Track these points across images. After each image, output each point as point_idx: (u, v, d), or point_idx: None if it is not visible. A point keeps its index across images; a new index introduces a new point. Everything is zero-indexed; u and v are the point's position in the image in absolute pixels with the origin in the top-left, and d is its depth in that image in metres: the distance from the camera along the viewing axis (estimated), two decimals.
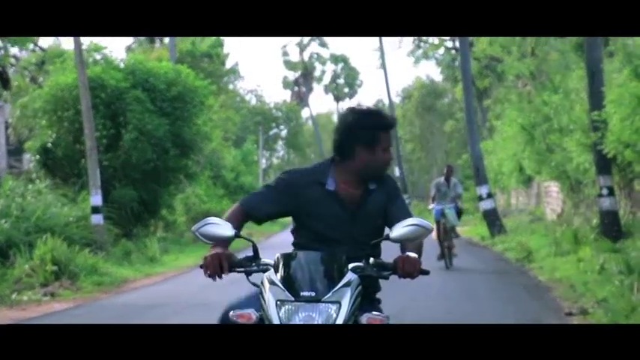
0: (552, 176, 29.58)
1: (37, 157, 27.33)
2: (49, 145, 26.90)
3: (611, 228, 20.93)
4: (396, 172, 71.11)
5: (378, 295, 5.40)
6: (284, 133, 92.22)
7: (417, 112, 77.46)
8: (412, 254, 4.94)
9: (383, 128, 5.22)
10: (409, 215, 5.18)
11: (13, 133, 32.71)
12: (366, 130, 5.20)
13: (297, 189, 5.24)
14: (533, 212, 37.96)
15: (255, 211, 5.28)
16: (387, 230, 5.28)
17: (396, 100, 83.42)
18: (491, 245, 28.88)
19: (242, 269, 4.99)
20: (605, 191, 21.06)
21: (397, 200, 5.34)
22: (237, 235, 4.90)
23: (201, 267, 4.99)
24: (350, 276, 4.77)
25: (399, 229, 4.85)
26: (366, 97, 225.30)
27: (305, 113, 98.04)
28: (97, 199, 23.09)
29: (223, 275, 4.96)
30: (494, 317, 12.70)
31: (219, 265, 4.91)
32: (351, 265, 4.85)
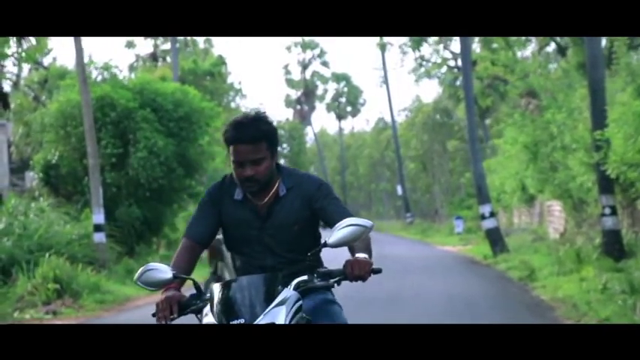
0: (555, 195, 29.55)
1: (41, 174, 27.36)
2: (53, 162, 26.92)
3: (614, 247, 20.89)
4: (399, 190, 71.18)
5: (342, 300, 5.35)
6: (287, 151, 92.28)
7: (425, 130, 77.35)
8: (362, 255, 4.82)
9: (225, 141, 5.09)
10: (345, 213, 5.02)
11: (15, 151, 32.75)
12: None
13: (215, 201, 5.23)
14: (535, 231, 37.89)
15: (199, 235, 5.23)
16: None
17: (399, 118, 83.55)
18: (493, 264, 28.82)
19: (189, 309, 4.91)
20: (607, 210, 21.02)
21: (329, 201, 5.16)
22: (175, 277, 4.83)
23: (153, 315, 4.94)
24: (285, 293, 4.67)
25: (336, 234, 4.70)
26: (368, 116, 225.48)
27: (308, 132, 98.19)
28: (99, 218, 23.10)
29: (174, 318, 4.89)
30: None
31: (169, 309, 4.86)
32: (294, 282, 4.77)
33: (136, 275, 4.86)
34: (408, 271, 23.32)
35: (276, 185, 5.16)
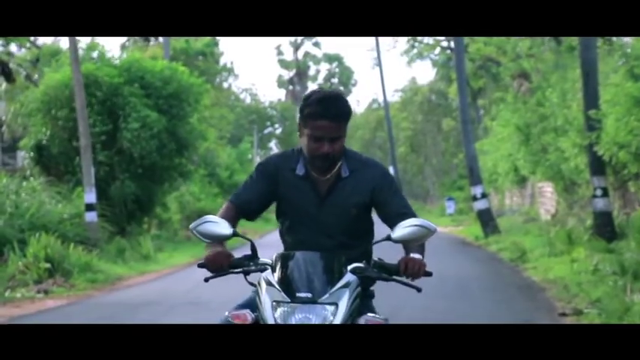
0: (547, 177, 29.59)
1: (32, 154, 27.26)
2: (44, 142, 26.82)
3: (605, 229, 20.93)
4: (391, 170, 71.09)
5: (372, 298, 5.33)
6: (279, 131, 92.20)
7: (420, 111, 77.14)
8: (417, 256, 4.86)
9: (306, 115, 5.02)
10: (408, 210, 5.06)
11: (7, 131, 32.66)
12: (299, 111, 5.09)
13: (273, 173, 5.16)
14: (527, 212, 37.97)
15: (247, 206, 5.17)
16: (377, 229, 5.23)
17: (393, 99, 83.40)
18: (485, 245, 28.88)
19: (240, 269, 4.92)
20: (599, 192, 21.06)
21: (393, 193, 5.15)
22: (234, 234, 4.82)
23: (199, 265, 4.94)
24: (349, 277, 4.69)
25: (401, 230, 4.75)
26: (361, 96, 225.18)
27: None
28: (91, 197, 23.04)
29: (225, 273, 4.90)
30: (488, 317, 12.70)
31: (221, 263, 4.86)
32: (350, 266, 4.77)
33: (193, 224, 4.82)
34: (399, 251, 23.32)
35: (338, 165, 5.13)
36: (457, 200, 51.98)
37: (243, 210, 5.18)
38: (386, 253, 5.05)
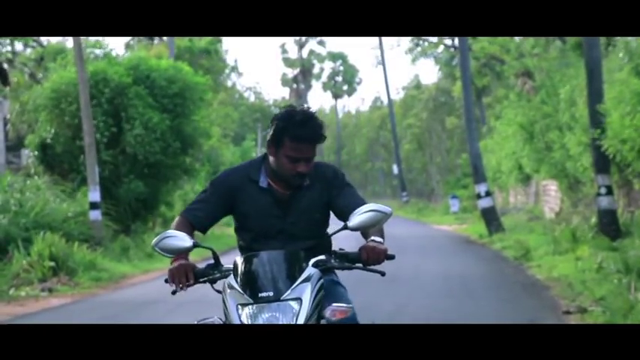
0: (551, 175, 29.57)
1: (36, 152, 27.29)
2: (48, 140, 26.85)
3: (610, 227, 20.92)
4: (395, 169, 71.12)
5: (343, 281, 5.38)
6: None
7: (426, 109, 77.04)
8: (378, 240, 4.92)
9: (289, 135, 5.03)
10: (362, 202, 5.07)
11: (11, 129, 32.65)
12: (275, 131, 5.07)
13: (232, 187, 5.20)
14: (531, 211, 37.92)
15: (198, 220, 5.22)
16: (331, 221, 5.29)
17: (398, 97, 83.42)
18: (489, 243, 28.85)
19: (205, 278, 4.97)
20: (603, 190, 21.04)
21: (345, 190, 5.22)
22: (195, 245, 4.86)
23: (166, 281, 4.97)
24: (309, 270, 4.74)
25: (357, 217, 4.79)
26: (365, 95, 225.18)
27: None
28: (95, 195, 23.07)
29: (190, 285, 4.95)
30: (492, 316, 12.70)
31: (184, 275, 4.90)
32: (312, 260, 4.83)
33: (154, 241, 4.87)
34: (404, 250, 23.32)
35: None
36: (461, 198, 51.90)
37: (195, 224, 5.23)
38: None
